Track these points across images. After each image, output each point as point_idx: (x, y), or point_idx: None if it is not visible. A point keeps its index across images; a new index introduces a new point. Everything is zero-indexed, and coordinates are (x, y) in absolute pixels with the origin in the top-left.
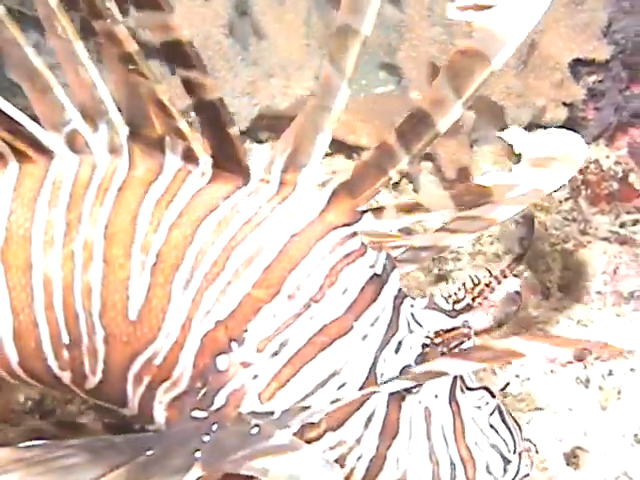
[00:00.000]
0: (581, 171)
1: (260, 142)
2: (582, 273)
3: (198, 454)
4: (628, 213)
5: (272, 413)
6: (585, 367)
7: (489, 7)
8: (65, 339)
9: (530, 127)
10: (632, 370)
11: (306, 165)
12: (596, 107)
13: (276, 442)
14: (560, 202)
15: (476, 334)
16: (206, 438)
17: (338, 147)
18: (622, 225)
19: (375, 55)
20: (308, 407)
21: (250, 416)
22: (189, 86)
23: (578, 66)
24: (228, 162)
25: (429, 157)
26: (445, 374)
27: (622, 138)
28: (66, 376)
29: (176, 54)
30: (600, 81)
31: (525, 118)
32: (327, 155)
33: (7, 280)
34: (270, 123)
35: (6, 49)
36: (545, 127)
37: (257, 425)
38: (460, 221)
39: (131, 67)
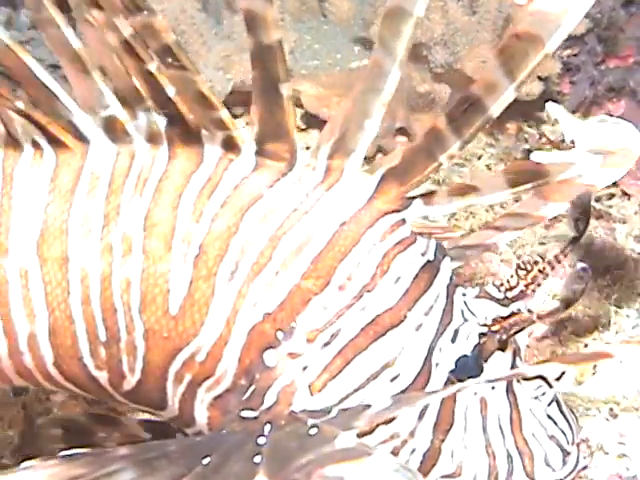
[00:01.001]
0: (556, 144)
1: (235, 117)
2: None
3: (258, 459)
4: (604, 188)
5: (328, 411)
6: (560, 342)
7: None
8: (102, 336)
9: None
10: (608, 344)
11: (353, 151)
12: (572, 81)
13: (343, 445)
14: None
15: (539, 318)
16: (261, 440)
17: (312, 122)
18: (598, 199)
19: (349, 29)
20: (369, 405)
21: (305, 415)
22: (251, 21)
23: None
24: (275, 136)
25: (403, 132)
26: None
27: (598, 112)
28: (103, 377)
29: None
30: (575, 55)
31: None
32: (302, 130)
33: (42, 274)
34: (245, 98)
35: (46, 30)
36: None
37: (315, 425)
38: (507, 218)
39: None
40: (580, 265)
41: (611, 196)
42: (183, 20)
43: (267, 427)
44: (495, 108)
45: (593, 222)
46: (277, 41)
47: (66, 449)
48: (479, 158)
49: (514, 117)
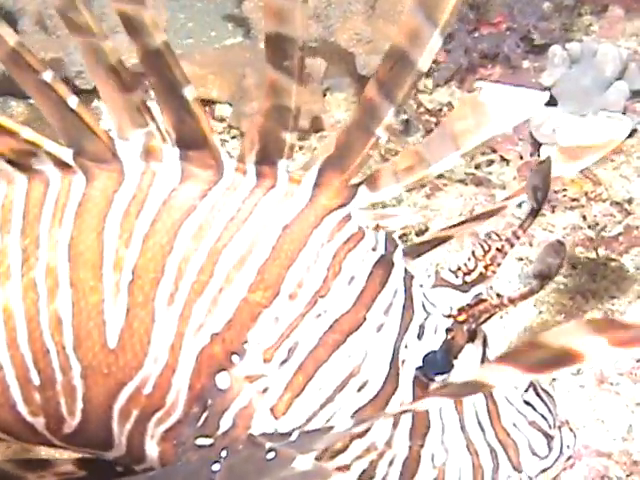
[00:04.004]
0: (434, 114)
1: None
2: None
3: None
4: (483, 154)
5: (289, 435)
6: None
7: None
8: (35, 380)
9: None
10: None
11: (281, 157)
12: (446, 49)
13: (300, 469)
14: (414, 145)
15: (511, 301)
16: (216, 467)
17: None
18: (477, 166)
19: (222, 6)
20: (331, 427)
21: (264, 439)
22: (130, 27)
23: None
24: (194, 143)
25: None
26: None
27: (472, 79)
28: (39, 422)
29: None
30: None
31: (375, 64)
32: None
33: None
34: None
35: None
36: None
37: (273, 449)
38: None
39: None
40: (555, 237)
41: (490, 162)
42: (50, 3)
43: (223, 453)
44: (423, 60)
45: (473, 189)
46: (164, 43)
47: None
48: None
49: None
